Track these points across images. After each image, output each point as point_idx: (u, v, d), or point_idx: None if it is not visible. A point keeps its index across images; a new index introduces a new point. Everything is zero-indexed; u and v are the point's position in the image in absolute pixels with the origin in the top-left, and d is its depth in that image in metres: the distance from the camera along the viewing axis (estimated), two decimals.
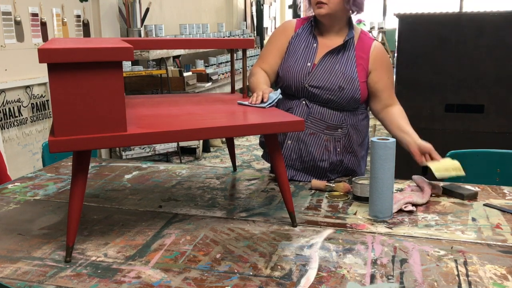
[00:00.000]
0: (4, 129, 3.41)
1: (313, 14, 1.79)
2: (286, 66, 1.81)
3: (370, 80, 1.79)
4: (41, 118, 3.78)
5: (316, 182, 1.70)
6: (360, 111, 1.83)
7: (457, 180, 1.67)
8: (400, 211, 1.51)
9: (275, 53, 1.86)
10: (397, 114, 1.79)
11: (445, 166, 1.60)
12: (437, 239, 1.33)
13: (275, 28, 10.36)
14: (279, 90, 1.62)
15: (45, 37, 3.78)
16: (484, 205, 1.56)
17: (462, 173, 1.61)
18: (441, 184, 1.70)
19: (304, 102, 1.78)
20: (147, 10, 4.85)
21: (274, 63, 1.85)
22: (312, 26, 1.83)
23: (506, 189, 1.70)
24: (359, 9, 1.76)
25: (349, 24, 1.82)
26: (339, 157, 1.80)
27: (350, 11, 1.77)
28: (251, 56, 7.02)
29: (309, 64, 1.78)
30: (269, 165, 2.03)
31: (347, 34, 1.80)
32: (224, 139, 4.78)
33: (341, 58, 1.78)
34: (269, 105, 1.54)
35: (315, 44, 1.81)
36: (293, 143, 1.79)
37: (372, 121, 4.94)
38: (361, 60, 1.78)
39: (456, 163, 1.63)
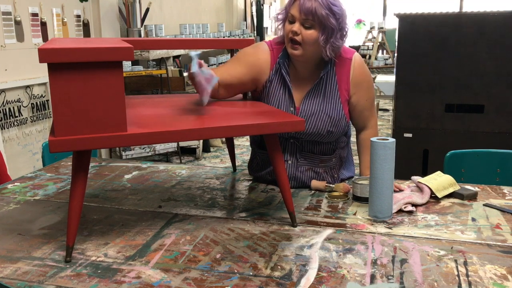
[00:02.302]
0: (4, 129, 3.41)
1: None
2: None
3: (350, 103, 1.70)
4: (41, 118, 3.78)
5: (316, 183, 1.70)
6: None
7: (458, 180, 1.67)
8: (400, 211, 1.51)
9: (236, 75, 1.64)
10: (363, 141, 1.76)
11: (443, 185, 1.64)
12: (437, 239, 1.33)
13: (275, 28, 10.36)
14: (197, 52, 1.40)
15: (45, 37, 3.78)
16: (484, 205, 1.56)
17: (458, 187, 1.65)
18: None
19: (293, 142, 1.70)
20: (147, 10, 4.85)
21: (228, 80, 1.62)
22: (282, 64, 1.66)
23: (506, 189, 1.70)
24: (336, 53, 1.61)
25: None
26: (339, 181, 1.79)
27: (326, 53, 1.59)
28: None
29: (292, 109, 1.66)
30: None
31: (323, 68, 1.65)
32: (224, 139, 4.78)
33: (324, 96, 1.66)
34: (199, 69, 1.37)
35: (289, 87, 1.66)
36: (292, 182, 1.71)
37: None
38: (344, 91, 1.67)
39: (451, 179, 1.66)
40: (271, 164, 1.41)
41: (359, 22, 14.44)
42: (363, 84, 1.70)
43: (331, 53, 1.59)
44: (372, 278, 1.13)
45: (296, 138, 1.69)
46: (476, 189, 1.68)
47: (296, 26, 1.55)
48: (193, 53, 1.38)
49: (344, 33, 1.59)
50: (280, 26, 1.65)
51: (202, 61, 1.42)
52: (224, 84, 1.62)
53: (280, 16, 1.64)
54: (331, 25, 1.53)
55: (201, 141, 5.14)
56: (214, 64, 5.96)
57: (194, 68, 1.37)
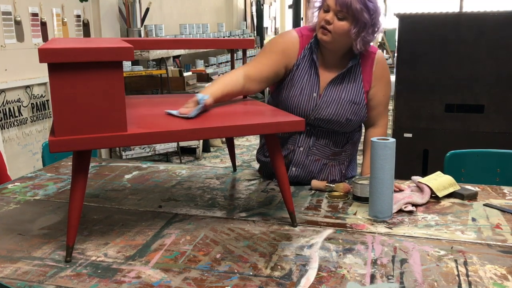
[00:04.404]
0: (4, 129, 3.41)
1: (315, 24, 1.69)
2: (291, 95, 1.69)
3: (368, 95, 1.73)
4: (41, 118, 3.78)
5: (316, 182, 1.70)
6: (358, 127, 1.80)
7: (457, 180, 1.68)
8: (400, 211, 1.51)
9: (270, 69, 1.68)
10: (369, 139, 1.75)
11: (443, 185, 1.64)
12: (437, 239, 1.33)
13: (275, 28, 10.35)
14: (206, 96, 1.44)
15: (45, 37, 3.78)
16: (484, 205, 1.56)
17: (458, 187, 1.65)
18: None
19: (309, 129, 1.71)
20: (147, 10, 4.85)
21: (264, 76, 1.67)
22: (313, 49, 1.69)
23: (506, 189, 1.70)
24: (366, 46, 1.65)
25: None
26: (344, 178, 1.80)
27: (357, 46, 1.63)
28: (251, 56, 7.02)
29: (315, 94, 1.68)
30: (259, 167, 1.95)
31: (350, 59, 1.68)
32: (224, 139, 4.78)
33: (348, 84, 1.69)
34: (195, 115, 1.37)
35: (317, 71, 1.69)
36: (298, 170, 1.74)
37: None
38: (366, 83, 1.71)
39: (451, 179, 1.66)
40: (273, 165, 1.41)
41: None
42: (383, 79, 1.74)
43: (361, 47, 1.63)
44: (372, 278, 1.13)
45: (312, 126, 1.71)
46: (476, 189, 1.67)
47: (330, 16, 1.58)
48: (201, 97, 1.41)
49: (376, 29, 1.63)
50: (315, 13, 1.68)
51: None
52: (260, 78, 1.66)
53: (316, 4, 1.67)
54: (364, 19, 1.57)
55: (201, 141, 5.14)
56: (214, 64, 5.95)
57: (193, 114, 1.37)
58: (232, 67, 1.83)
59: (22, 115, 3.58)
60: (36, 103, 3.72)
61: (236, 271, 1.16)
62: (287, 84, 1.71)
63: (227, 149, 2.01)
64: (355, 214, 1.50)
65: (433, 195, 1.61)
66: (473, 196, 1.62)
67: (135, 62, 4.86)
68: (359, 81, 1.70)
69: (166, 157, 5.00)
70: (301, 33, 1.73)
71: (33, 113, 3.69)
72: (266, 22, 9.45)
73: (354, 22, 1.57)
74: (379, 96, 1.74)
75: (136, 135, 1.18)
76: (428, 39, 3.26)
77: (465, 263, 1.19)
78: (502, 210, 1.51)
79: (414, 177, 1.73)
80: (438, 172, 1.71)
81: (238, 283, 1.11)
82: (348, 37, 1.61)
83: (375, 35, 1.64)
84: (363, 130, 1.84)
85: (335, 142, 1.73)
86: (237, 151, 5.28)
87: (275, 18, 10.52)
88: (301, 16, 9.60)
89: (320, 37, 1.63)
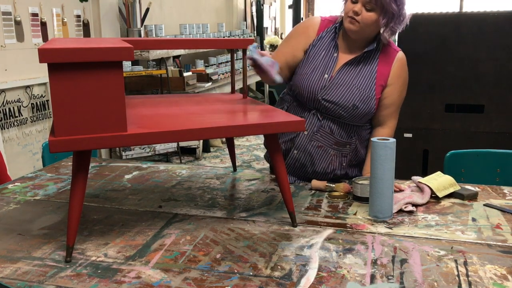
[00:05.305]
0: (4, 129, 3.41)
1: (341, 15, 1.72)
2: (302, 73, 1.73)
3: (383, 93, 1.73)
4: (41, 118, 3.78)
5: (316, 182, 1.70)
6: (368, 125, 1.80)
7: (458, 180, 1.68)
8: (400, 211, 1.51)
9: (288, 53, 1.77)
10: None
11: (443, 185, 1.64)
12: (437, 239, 1.33)
13: (275, 28, 10.36)
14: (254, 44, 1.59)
15: (45, 37, 3.78)
16: (484, 205, 1.56)
17: (458, 187, 1.66)
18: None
19: (315, 113, 1.73)
20: (147, 10, 4.85)
21: (283, 62, 1.76)
22: (336, 33, 1.74)
23: (506, 189, 1.70)
24: (393, 34, 1.69)
25: (375, 36, 1.71)
26: (344, 171, 1.79)
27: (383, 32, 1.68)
28: None
29: (326, 76, 1.70)
30: (269, 165, 2.01)
31: (367, 46, 1.71)
32: (224, 139, 4.78)
33: (361, 71, 1.70)
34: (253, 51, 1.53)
35: (336, 54, 1.72)
36: (299, 153, 1.75)
37: None
38: (381, 76, 1.71)
39: (451, 179, 1.66)
40: (273, 165, 1.41)
41: None
42: (400, 79, 1.75)
43: (389, 36, 1.68)
44: (372, 278, 1.13)
45: (319, 110, 1.72)
46: (477, 189, 1.68)
47: (358, 7, 1.62)
48: (251, 46, 1.55)
49: (403, 19, 1.65)
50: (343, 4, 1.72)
51: (264, 52, 1.55)
52: (291, 64, 1.77)
53: None
54: (392, 10, 1.60)
55: (201, 141, 5.14)
56: (214, 64, 5.95)
57: (256, 55, 1.52)
58: (232, 67, 1.84)
59: (22, 115, 3.58)
60: (36, 103, 3.72)
61: (236, 271, 1.16)
62: (302, 62, 1.76)
63: (227, 149, 2.01)
64: (355, 214, 1.50)
65: (433, 195, 1.62)
66: (473, 196, 1.62)
67: (135, 62, 4.86)
68: (372, 73, 1.71)
69: (166, 157, 5.00)
70: (324, 17, 1.80)
71: (33, 113, 3.69)
72: (266, 22, 9.44)
73: (383, 13, 1.61)
74: (394, 96, 1.74)
75: (136, 135, 1.18)
76: (428, 39, 3.26)
77: (465, 263, 1.19)
78: (502, 210, 1.51)
79: (414, 177, 1.73)
80: (438, 172, 1.71)
81: (238, 283, 1.11)
82: (376, 27, 1.64)
83: (402, 24, 1.66)
84: None
85: (340, 131, 1.73)
86: (237, 151, 5.28)
87: (275, 18, 10.51)
88: (301, 16, 9.60)
89: (347, 26, 1.66)
